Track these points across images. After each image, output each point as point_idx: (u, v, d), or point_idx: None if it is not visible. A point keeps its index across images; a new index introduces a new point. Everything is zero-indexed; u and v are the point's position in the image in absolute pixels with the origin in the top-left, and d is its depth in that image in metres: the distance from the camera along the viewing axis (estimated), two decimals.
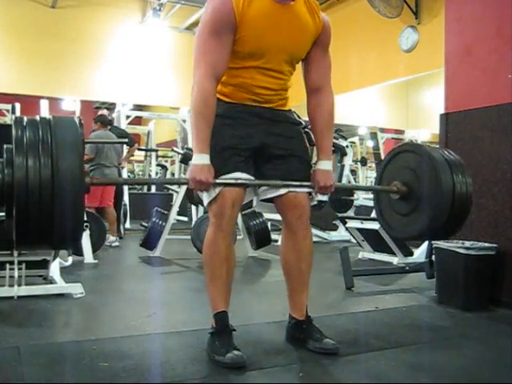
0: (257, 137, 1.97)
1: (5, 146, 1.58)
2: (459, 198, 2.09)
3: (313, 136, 2.12)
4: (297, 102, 2.40)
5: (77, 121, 1.62)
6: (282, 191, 2.00)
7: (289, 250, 2.07)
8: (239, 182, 1.92)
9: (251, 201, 2.20)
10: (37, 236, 1.55)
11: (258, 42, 1.89)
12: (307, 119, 2.16)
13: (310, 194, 2.08)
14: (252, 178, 1.96)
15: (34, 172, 1.47)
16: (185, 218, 7.77)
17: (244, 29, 1.86)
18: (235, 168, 1.92)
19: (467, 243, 2.86)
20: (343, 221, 5.20)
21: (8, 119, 6.92)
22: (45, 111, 4.56)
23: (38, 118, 1.59)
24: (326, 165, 2.06)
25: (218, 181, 1.86)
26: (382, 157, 9.65)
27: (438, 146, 2.38)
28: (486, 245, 2.83)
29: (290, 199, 2.01)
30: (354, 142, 10.03)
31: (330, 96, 2.07)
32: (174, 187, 5.87)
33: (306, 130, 2.77)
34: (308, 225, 2.06)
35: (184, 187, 5.01)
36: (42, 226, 1.52)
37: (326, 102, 2.06)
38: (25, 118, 1.58)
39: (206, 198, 1.96)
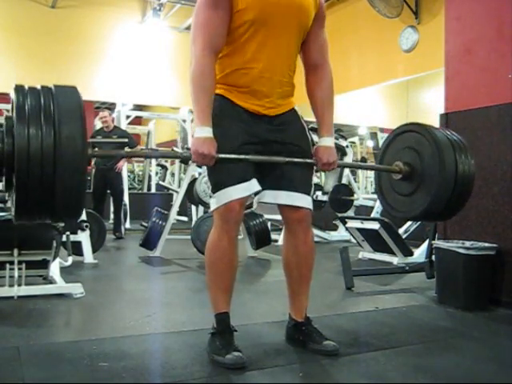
0: (259, 133, 1.94)
1: (4, 114, 1.55)
2: (461, 177, 2.09)
3: (315, 138, 2.10)
4: (297, 102, 2.40)
5: (78, 90, 1.58)
6: (282, 201, 1.97)
7: (290, 252, 2.07)
8: (241, 157, 1.87)
9: (251, 201, 2.20)
10: (38, 207, 1.50)
11: (262, 5, 1.84)
12: (307, 119, 2.14)
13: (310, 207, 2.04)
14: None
15: (35, 141, 1.41)
16: (185, 218, 7.78)
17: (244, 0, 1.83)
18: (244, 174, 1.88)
19: (467, 243, 2.86)
20: (343, 221, 5.20)
21: None
22: None
23: (39, 86, 1.54)
24: (328, 141, 2.03)
25: (221, 155, 1.82)
26: None
27: (442, 128, 2.36)
28: (486, 245, 2.83)
29: (294, 208, 1.98)
30: (353, 142, 10.02)
31: (329, 72, 2.06)
32: (174, 187, 5.87)
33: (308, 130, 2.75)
34: (309, 229, 2.04)
35: (184, 187, 5.02)
36: (43, 197, 1.46)
37: (326, 78, 2.04)
38: (26, 86, 1.53)
39: (213, 203, 1.92)
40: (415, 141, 2.18)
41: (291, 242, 2.05)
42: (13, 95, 1.50)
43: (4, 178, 1.53)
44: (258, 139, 1.93)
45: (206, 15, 1.84)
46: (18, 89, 1.51)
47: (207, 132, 1.81)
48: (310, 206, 2.01)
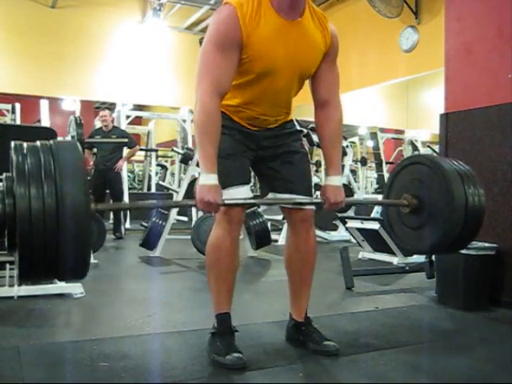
0: (255, 142, 2.00)
1: (4, 174, 1.48)
2: (472, 210, 2.03)
3: (315, 138, 2.12)
4: (297, 102, 2.40)
5: (78, 144, 1.55)
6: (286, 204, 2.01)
7: (292, 253, 2.08)
8: (248, 201, 1.91)
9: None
10: (42, 269, 1.46)
11: (267, 61, 1.83)
12: (307, 119, 2.16)
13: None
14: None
15: (37, 201, 1.37)
16: (185, 218, 7.77)
17: (251, 48, 1.80)
18: (240, 179, 1.92)
19: None
20: (343, 221, 5.20)
21: (8, 119, 6.91)
22: (45, 111, 4.56)
23: (38, 143, 1.50)
24: (336, 180, 2.02)
25: (226, 201, 1.81)
26: (382, 157, 9.67)
27: (449, 158, 2.30)
28: (486, 245, 2.83)
29: (298, 209, 2.01)
30: (354, 142, 10.02)
31: (337, 109, 2.02)
32: (174, 187, 5.87)
33: (307, 129, 2.77)
34: (311, 229, 2.06)
35: (184, 187, 5.02)
36: (47, 258, 1.42)
37: (334, 116, 2.01)
38: (25, 145, 1.49)
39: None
40: (422, 173, 2.14)
41: (293, 242, 2.07)
42: (12, 154, 1.47)
43: (6, 239, 1.49)
44: (256, 146, 2.00)
45: (214, 58, 1.79)
46: (17, 147, 1.47)
47: (212, 179, 1.78)
48: (313, 206, 2.04)
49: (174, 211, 4.91)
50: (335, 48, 1.98)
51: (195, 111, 1.82)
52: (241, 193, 1.90)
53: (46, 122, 4.52)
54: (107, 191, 6.15)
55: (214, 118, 1.79)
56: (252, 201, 1.92)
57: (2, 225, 1.43)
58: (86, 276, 1.51)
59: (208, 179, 1.77)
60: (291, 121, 2.09)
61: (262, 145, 2.01)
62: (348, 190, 6.17)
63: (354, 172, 9.99)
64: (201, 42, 8.88)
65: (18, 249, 1.41)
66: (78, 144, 1.57)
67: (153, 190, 9.73)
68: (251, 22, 1.78)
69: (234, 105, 1.93)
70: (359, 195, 7.16)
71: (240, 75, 1.86)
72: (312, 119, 2.12)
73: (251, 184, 2.15)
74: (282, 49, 1.84)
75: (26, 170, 1.40)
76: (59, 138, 4.08)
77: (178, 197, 5.04)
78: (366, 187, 10.92)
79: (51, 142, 1.50)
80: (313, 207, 2.04)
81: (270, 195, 2.07)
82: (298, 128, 2.12)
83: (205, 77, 1.80)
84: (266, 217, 4.88)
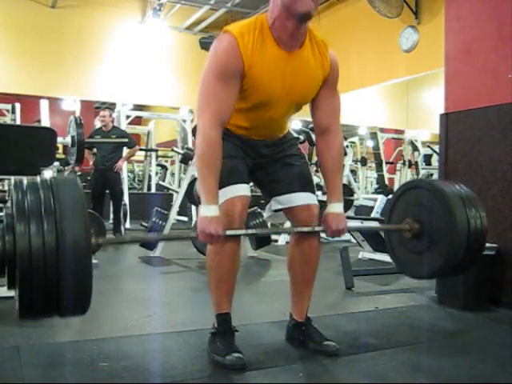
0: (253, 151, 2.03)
1: (4, 212, 1.48)
2: (474, 234, 2.03)
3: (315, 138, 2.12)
4: None
5: (78, 180, 1.56)
6: (299, 203, 2.00)
7: (295, 253, 2.07)
8: (249, 232, 1.90)
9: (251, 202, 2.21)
10: (43, 306, 1.45)
11: (264, 93, 1.85)
12: (307, 118, 2.16)
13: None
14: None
15: (37, 238, 1.37)
16: (185, 218, 7.77)
17: (251, 78, 1.81)
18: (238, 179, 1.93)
19: None
20: None
21: (8, 119, 6.91)
22: (45, 111, 4.56)
23: (38, 180, 1.50)
24: (337, 207, 2.01)
25: (228, 232, 1.81)
26: (382, 157, 9.67)
27: (449, 181, 2.30)
28: (486, 245, 2.82)
29: (303, 207, 2.01)
30: (354, 142, 10.04)
31: (338, 136, 2.02)
32: (174, 187, 5.87)
33: (308, 129, 2.77)
34: (317, 232, 2.06)
35: (184, 187, 5.02)
36: (48, 296, 1.41)
37: (335, 143, 2.01)
38: (24, 181, 1.48)
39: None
40: (424, 197, 2.14)
41: (297, 242, 2.06)
42: (12, 190, 1.47)
43: (6, 277, 1.48)
44: (255, 153, 2.02)
45: (215, 88, 1.79)
46: (17, 184, 1.47)
47: (213, 211, 1.77)
48: (317, 204, 2.04)
49: (174, 211, 4.91)
50: (335, 75, 1.98)
51: (197, 141, 1.82)
52: (241, 189, 1.91)
53: (46, 122, 4.51)
54: (107, 191, 6.16)
55: (215, 149, 1.79)
56: (253, 231, 1.92)
57: (2, 262, 1.43)
58: (87, 311, 1.50)
59: (209, 211, 1.77)
60: (288, 131, 2.14)
61: (261, 152, 2.03)
62: (348, 190, 6.18)
63: (354, 172, 10.01)
64: (201, 42, 8.94)
65: (18, 286, 1.41)
66: (78, 179, 1.58)
67: (153, 189, 9.73)
68: (253, 52, 1.79)
69: (231, 123, 1.94)
70: (359, 195, 7.15)
71: (238, 102, 1.86)
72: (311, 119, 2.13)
73: (251, 185, 2.16)
74: (279, 81, 1.85)
75: (25, 207, 1.41)
76: (59, 139, 4.09)
77: (178, 197, 5.04)
78: (365, 187, 10.93)
79: (51, 178, 1.51)
80: (317, 205, 2.03)
81: (273, 202, 2.06)
82: (295, 135, 2.18)
83: (207, 107, 1.80)
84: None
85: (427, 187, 2.18)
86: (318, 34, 1.96)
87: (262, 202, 2.32)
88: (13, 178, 1.51)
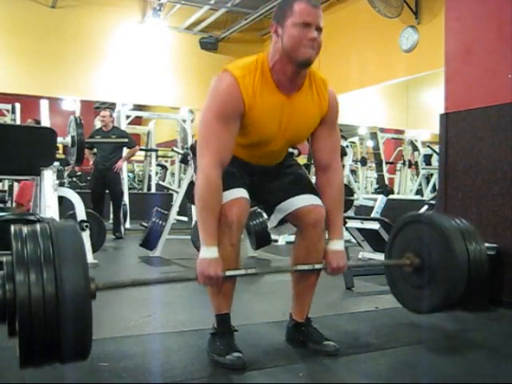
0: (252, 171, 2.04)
1: (4, 259, 1.49)
2: (475, 267, 2.04)
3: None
4: None
5: (77, 227, 1.58)
6: (301, 204, 1.99)
7: (301, 256, 2.04)
8: (249, 272, 1.91)
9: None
10: (43, 354, 1.47)
11: (260, 134, 1.89)
12: None
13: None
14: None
15: (36, 287, 1.38)
16: (185, 218, 7.77)
17: (249, 118, 1.83)
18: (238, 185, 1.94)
19: None
20: (343, 221, 5.19)
21: (8, 119, 6.92)
22: (45, 111, 4.56)
23: (37, 228, 1.51)
24: (337, 245, 2.03)
25: (227, 273, 1.82)
26: (382, 157, 9.68)
27: (448, 215, 2.30)
28: (486, 245, 2.81)
29: (308, 209, 2.00)
30: (354, 142, 10.03)
31: (337, 173, 2.05)
32: (174, 187, 5.87)
33: None
34: (323, 234, 2.04)
35: (184, 187, 5.02)
36: (48, 343, 1.43)
37: (335, 181, 2.03)
38: (24, 230, 1.50)
39: None
40: (423, 232, 2.15)
41: (303, 245, 2.03)
42: (11, 239, 1.48)
43: (7, 324, 1.50)
44: (253, 172, 2.03)
45: (215, 127, 1.80)
46: (16, 232, 1.49)
47: (213, 252, 1.79)
48: (323, 205, 2.02)
49: (174, 211, 4.91)
50: (333, 114, 2.00)
51: (197, 180, 1.84)
52: (239, 193, 1.91)
53: (46, 121, 4.51)
54: (107, 191, 6.16)
55: (216, 190, 1.81)
56: (253, 271, 1.92)
57: (2, 310, 1.45)
58: (88, 357, 1.52)
59: (208, 252, 1.79)
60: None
61: (258, 172, 2.04)
62: (348, 190, 6.17)
63: (354, 172, 10.00)
64: (201, 43, 8.93)
65: (18, 334, 1.42)
66: (77, 227, 1.60)
67: (153, 190, 9.73)
68: (254, 94, 1.81)
69: (233, 155, 1.95)
70: (359, 195, 7.15)
71: (237, 138, 1.89)
72: None
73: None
74: (276, 123, 1.89)
75: (25, 255, 1.43)
76: (59, 139, 4.09)
77: (178, 197, 5.04)
78: (365, 187, 10.93)
79: (50, 226, 1.52)
80: (323, 206, 2.01)
81: (275, 213, 2.06)
82: (290, 151, 2.18)
83: (207, 148, 1.82)
84: (266, 217, 4.88)
85: (427, 221, 2.20)
86: (319, 73, 1.98)
87: None
88: (12, 228, 1.52)
